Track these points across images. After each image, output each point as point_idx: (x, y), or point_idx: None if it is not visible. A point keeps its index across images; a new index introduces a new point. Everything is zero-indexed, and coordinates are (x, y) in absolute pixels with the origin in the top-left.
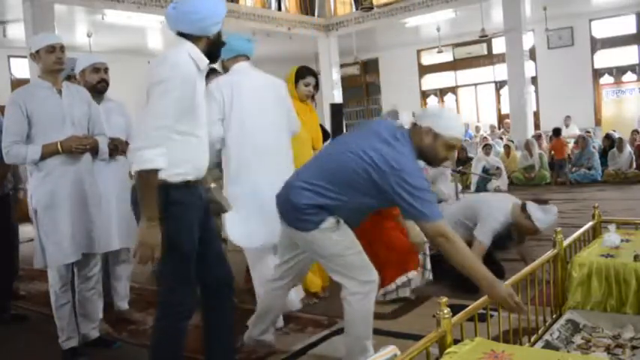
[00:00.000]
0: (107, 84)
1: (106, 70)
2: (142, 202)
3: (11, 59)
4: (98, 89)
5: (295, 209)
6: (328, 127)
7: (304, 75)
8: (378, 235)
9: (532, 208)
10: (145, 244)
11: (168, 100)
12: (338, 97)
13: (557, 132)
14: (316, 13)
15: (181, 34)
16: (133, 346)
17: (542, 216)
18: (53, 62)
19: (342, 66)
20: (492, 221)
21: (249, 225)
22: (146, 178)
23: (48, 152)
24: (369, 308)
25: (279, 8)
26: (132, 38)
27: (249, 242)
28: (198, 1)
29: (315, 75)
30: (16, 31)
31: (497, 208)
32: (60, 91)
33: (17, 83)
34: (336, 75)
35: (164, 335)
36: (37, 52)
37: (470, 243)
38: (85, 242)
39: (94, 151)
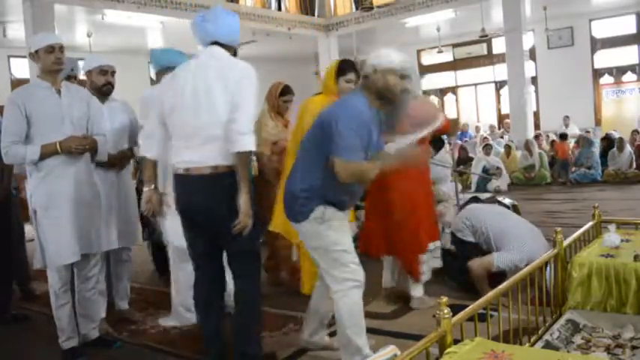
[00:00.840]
0: (112, 87)
1: (113, 73)
2: (244, 179)
3: (11, 59)
4: (103, 92)
5: (292, 198)
6: None
7: (345, 71)
8: (424, 202)
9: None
10: (248, 214)
11: (255, 96)
12: None
13: (563, 136)
14: (316, 13)
15: (216, 43)
16: (133, 346)
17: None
18: (52, 62)
19: None
20: (517, 259)
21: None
22: (247, 158)
23: (47, 152)
24: (351, 306)
25: (279, 8)
26: (132, 38)
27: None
28: (232, 16)
29: (357, 70)
30: (16, 31)
31: (528, 252)
32: (59, 91)
33: (17, 83)
34: None
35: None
36: (37, 52)
37: (482, 252)
38: (85, 242)
39: (93, 151)
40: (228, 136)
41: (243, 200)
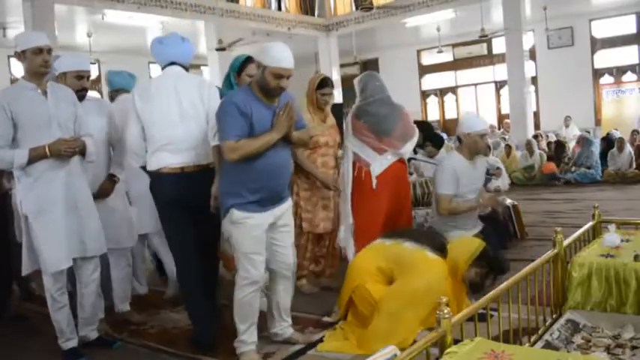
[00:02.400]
0: (87, 91)
1: (89, 77)
2: (219, 169)
3: (11, 59)
4: (77, 97)
5: (220, 196)
6: None
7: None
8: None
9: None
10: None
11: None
12: (338, 97)
13: (550, 157)
14: (316, 13)
15: (174, 63)
16: (133, 346)
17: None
18: (39, 65)
19: (342, 66)
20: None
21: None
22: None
23: (35, 156)
24: (240, 299)
25: (279, 8)
26: (132, 38)
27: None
28: (187, 42)
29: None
30: (17, 31)
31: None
32: (45, 93)
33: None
34: (336, 75)
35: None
36: (23, 52)
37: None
38: (79, 246)
39: (82, 152)
40: (209, 135)
41: (217, 187)
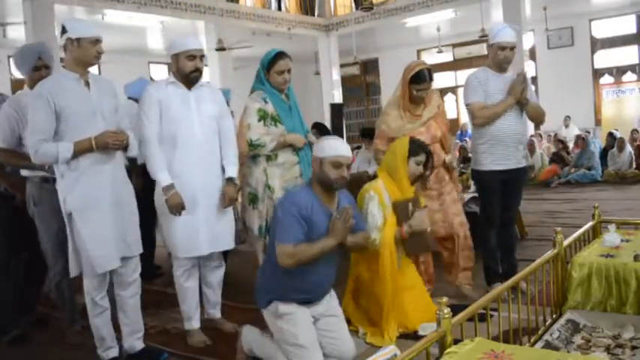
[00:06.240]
0: (201, 73)
1: (202, 57)
2: None
3: (11, 59)
4: (190, 79)
5: (257, 285)
6: (328, 127)
7: (417, 152)
8: None
9: None
10: None
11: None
12: (338, 97)
13: (554, 157)
14: (316, 13)
15: None
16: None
17: (491, 32)
18: (94, 56)
19: (342, 66)
20: None
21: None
22: None
23: (81, 149)
24: None
25: (279, 8)
26: (132, 38)
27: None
28: None
29: (427, 150)
30: (16, 31)
31: None
32: (87, 83)
33: (17, 83)
34: (336, 75)
35: None
36: (78, 39)
37: None
38: (124, 245)
39: (125, 147)
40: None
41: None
